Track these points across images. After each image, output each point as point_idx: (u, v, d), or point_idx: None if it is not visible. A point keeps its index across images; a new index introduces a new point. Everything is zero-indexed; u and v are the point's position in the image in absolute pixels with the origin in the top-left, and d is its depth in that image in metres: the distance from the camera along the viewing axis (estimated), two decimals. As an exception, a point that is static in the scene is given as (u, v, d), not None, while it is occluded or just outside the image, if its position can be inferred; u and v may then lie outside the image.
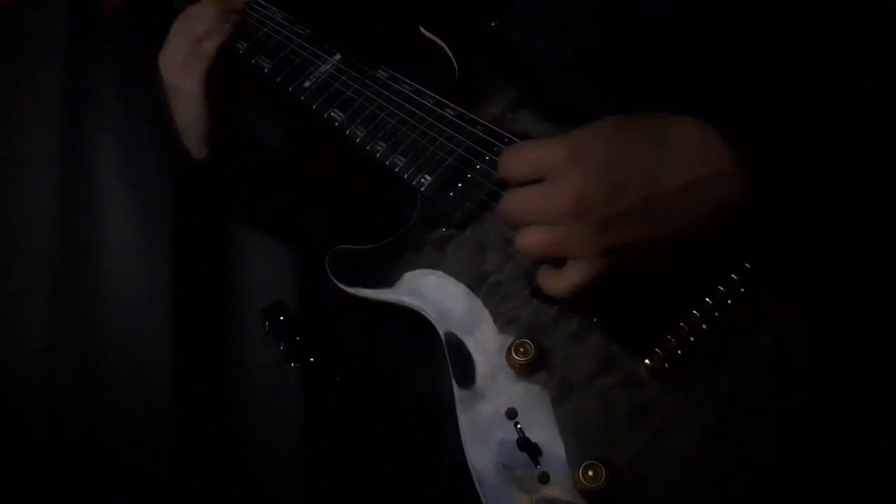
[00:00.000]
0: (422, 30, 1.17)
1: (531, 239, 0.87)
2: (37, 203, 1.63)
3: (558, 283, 0.88)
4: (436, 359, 0.99)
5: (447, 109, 1.10)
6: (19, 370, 1.60)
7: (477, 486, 0.89)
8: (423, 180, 1.06)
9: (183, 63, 1.16)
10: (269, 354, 1.57)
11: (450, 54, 1.16)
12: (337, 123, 1.15)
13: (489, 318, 0.97)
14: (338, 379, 1.43)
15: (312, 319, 1.54)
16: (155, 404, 1.62)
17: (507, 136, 1.04)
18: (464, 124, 1.07)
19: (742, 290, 0.89)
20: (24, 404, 1.59)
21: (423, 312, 1.00)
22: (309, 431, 1.63)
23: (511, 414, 0.91)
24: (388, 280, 1.04)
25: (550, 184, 0.87)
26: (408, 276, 1.03)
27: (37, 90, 1.63)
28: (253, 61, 1.23)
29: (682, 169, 0.84)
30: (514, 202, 0.90)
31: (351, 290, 1.05)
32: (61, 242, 1.63)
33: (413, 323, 1.01)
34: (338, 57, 1.21)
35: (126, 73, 1.67)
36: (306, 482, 1.62)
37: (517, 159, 0.91)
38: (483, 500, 0.89)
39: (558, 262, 0.88)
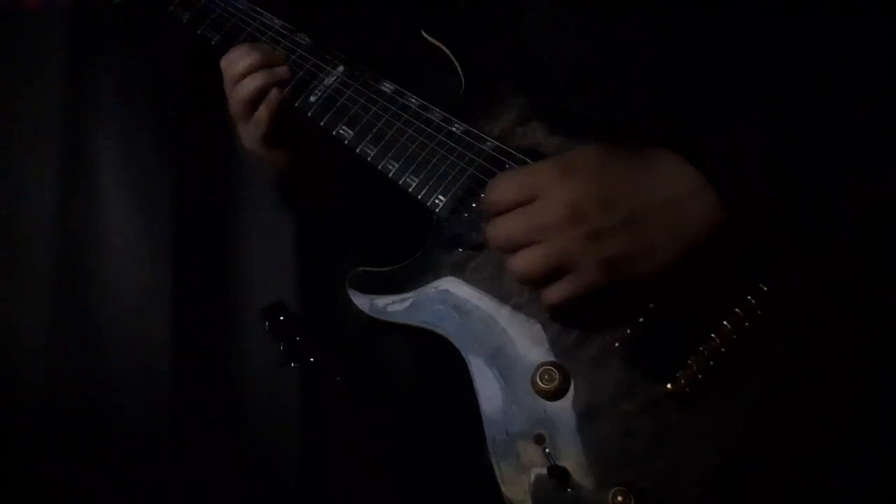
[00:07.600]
0: (424, 34, 1.14)
1: (526, 260, 0.89)
2: (37, 203, 1.62)
3: (552, 293, 0.90)
4: (459, 379, 0.99)
5: (455, 125, 1.07)
6: (19, 370, 1.59)
7: None
8: (437, 201, 1.05)
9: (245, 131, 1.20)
10: (269, 354, 1.58)
11: (454, 61, 1.12)
12: (346, 141, 1.12)
13: (512, 342, 0.97)
14: (338, 379, 1.45)
15: (312, 319, 1.56)
16: (155, 403, 1.62)
17: (517, 155, 1.02)
18: (473, 141, 1.05)
19: (759, 312, 0.90)
20: (24, 404, 1.58)
21: (445, 336, 1.00)
22: (309, 432, 1.64)
23: (539, 440, 0.92)
24: (408, 303, 1.03)
25: (542, 199, 0.89)
26: (427, 298, 1.03)
27: (37, 90, 1.62)
28: None
29: (661, 188, 0.88)
30: (504, 224, 0.91)
31: (371, 314, 1.05)
32: (61, 242, 1.62)
33: (435, 345, 1.01)
34: (341, 69, 1.16)
35: (126, 74, 1.66)
36: (305, 482, 1.63)
37: (507, 183, 0.94)
38: None
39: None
